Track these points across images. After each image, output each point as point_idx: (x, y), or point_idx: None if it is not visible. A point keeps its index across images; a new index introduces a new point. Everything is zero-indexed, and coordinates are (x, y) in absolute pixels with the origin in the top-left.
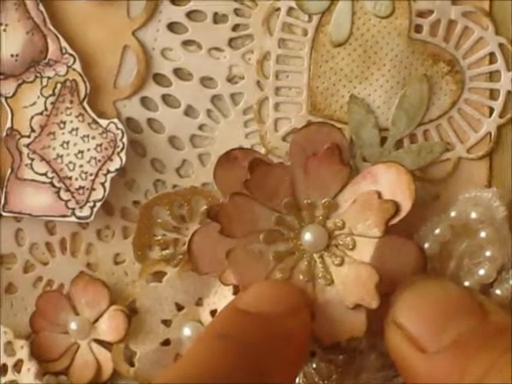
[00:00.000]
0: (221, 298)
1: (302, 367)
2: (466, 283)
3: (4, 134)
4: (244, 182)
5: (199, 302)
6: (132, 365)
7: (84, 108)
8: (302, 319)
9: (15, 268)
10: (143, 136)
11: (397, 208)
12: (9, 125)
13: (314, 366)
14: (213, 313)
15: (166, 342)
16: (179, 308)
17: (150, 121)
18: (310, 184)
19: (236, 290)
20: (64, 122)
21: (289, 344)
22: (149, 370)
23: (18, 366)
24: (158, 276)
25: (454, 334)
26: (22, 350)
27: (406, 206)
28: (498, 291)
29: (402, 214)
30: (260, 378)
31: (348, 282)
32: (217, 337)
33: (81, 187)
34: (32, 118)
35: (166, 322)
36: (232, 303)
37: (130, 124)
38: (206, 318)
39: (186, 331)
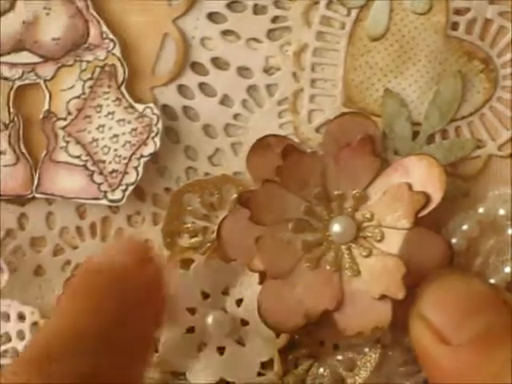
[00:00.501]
0: (247, 287)
1: (159, 319)
2: (492, 281)
3: (41, 116)
4: (276, 168)
5: (225, 291)
6: (156, 351)
7: (121, 93)
8: (153, 268)
9: (45, 251)
10: (178, 123)
11: (427, 199)
12: (46, 107)
13: (339, 357)
14: (238, 302)
15: (191, 330)
16: (205, 296)
17: (185, 108)
18: (341, 174)
19: (262, 278)
20: (101, 106)
21: (144, 294)
22: (172, 357)
23: None
24: (186, 263)
25: (478, 327)
26: None
27: (436, 198)
28: None
29: (432, 205)
30: (125, 327)
31: (375, 273)
32: (77, 294)
33: (114, 170)
34: (69, 101)
35: (192, 310)
36: (86, 263)
37: (166, 111)
38: (232, 307)
39: (211, 320)
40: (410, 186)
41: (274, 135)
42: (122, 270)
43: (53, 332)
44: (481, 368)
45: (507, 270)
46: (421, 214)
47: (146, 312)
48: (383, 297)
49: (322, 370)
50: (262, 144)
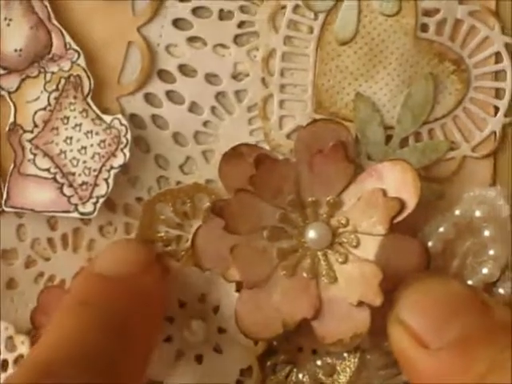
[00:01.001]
0: (223, 295)
1: (161, 324)
2: (470, 282)
3: (7, 128)
4: (249, 177)
5: (202, 299)
6: None
7: (88, 103)
8: (155, 275)
9: (17, 263)
10: (147, 132)
11: (402, 205)
12: (12, 120)
13: (319, 363)
14: (215, 309)
15: (168, 339)
16: (181, 304)
17: (154, 117)
18: (314, 181)
19: (239, 287)
20: (67, 118)
21: (147, 301)
22: (150, 366)
23: (18, 361)
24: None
25: (457, 330)
26: (23, 346)
27: (411, 204)
28: (501, 290)
29: (407, 211)
30: (124, 340)
31: (352, 280)
32: (78, 304)
33: (84, 183)
34: (35, 113)
35: (169, 319)
36: (87, 268)
37: (134, 120)
38: (209, 315)
39: (188, 328)
40: (384, 192)
41: (247, 144)
42: (125, 280)
43: (50, 348)
44: (465, 369)
45: (485, 271)
46: (396, 220)
47: (145, 322)
48: (361, 303)
49: (301, 375)
50: (235, 153)
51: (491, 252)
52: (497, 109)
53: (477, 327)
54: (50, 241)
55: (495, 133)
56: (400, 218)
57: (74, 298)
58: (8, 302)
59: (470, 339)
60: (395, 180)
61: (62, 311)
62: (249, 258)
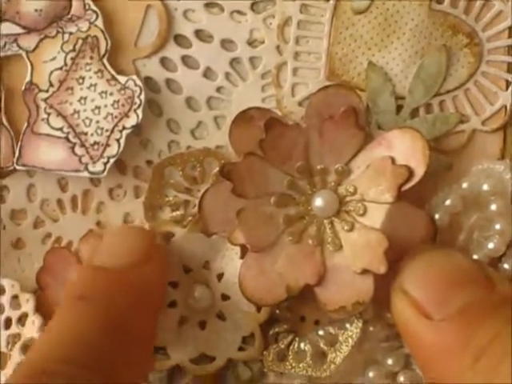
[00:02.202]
0: (228, 262)
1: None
2: (475, 256)
3: (23, 87)
4: (258, 141)
5: (206, 266)
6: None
7: (104, 64)
8: (156, 264)
9: (25, 224)
10: (161, 96)
11: (410, 173)
12: (28, 79)
13: (321, 332)
14: (219, 276)
15: (172, 304)
16: (186, 270)
17: (168, 81)
18: (324, 148)
19: (243, 252)
20: (83, 78)
21: (147, 292)
22: None
23: (22, 319)
24: (168, 237)
25: (460, 302)
26: (28, 304)
27: (419, 172)
28: (506, 265)
29: (415, 179)
30: (124, 334)
31: (357, 248)
32: (76, 299)
33: (96, 143)
34: (51, 72)
35: (173, 284)
36: (87, 261)
37: (149, 83)
38: (213, 281)
39: (192, 294)
40: (393, 160)
41: (257, 108)
42: (124, 272)
43: (49, 346)
44: (466, 341)
45: (490, 245)
46: (404, 188)
47: (146, 313)
48: (365, 271)
49: (302, 344)
50: (245, 116)
51: (497, 226)
52: (508, 83)
53: (480, 300)
54: (59, 202)
55: (506, 107)
56: (408, 186)
57: (72, 293)
58: (15, 261)
59: (472, 312)
60: (404, 148)
61: (61, 307)
62: (255, 223)
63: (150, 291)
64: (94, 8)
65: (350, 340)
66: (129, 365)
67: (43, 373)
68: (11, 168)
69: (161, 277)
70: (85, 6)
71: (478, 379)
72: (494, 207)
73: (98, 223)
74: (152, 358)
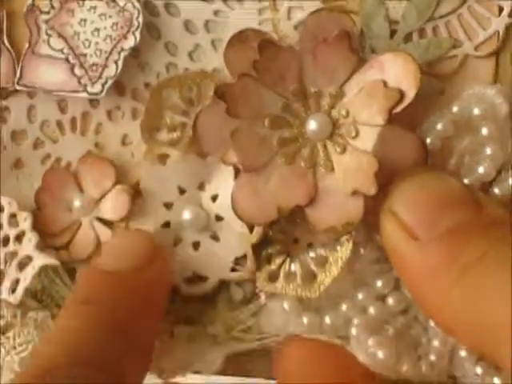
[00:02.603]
0: (222, 183)
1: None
2: (466, 180)
3: (25, 9)
4: (252, 62)
5: (201, 187)
6: None
7: None
8: (159, 267)
9: (25, 144)
10: (159, 19)
11: (401, 96)
12: (30, 1)
13: (312, 254)
14: (214, 198)
15: (166, 225)
16: (181, 191)
17: (166, 4)
18: (317, 70)
19: (237, 172)
20: (83, 0)
21: (150, 295)
22: None
23: (19, 237)
24: (163, 159)
25: (447, 223)
26: (25, 222)
27: (410, 94)
28: (496, 190)
29: (406, 101)
30: (127, 337)
31: (348, 170)
32: (80, 303)
33: (94, 64)
34: None
35: (168, 205)
36: (91, 264)
37: (148, 7)
38: (207, 203)
39: (186, 214)
40: (385, 83)
41: (253, 29)
42: (129, 275)
43: (53, 349)
44: (452, 260)
45: (481, 170)
46: (395, 111)
47: (149, 316)
48: (355, 193)
49: (293, 266)
50: (240, 37)
51: (488, 151)
52: (501, 9)
53: (468, 222)
54: (59, 123)
55: (498, 32)
56: (399, 109)
57: (76, 297)
58: (14, 180)
59: (459, 232)
60: (396, 71)
61: (66, 310)
62: (249, 143)
63: (153, 294)
64: None
65: (340, 261)
66: (131, 365)
67: (47, 373)
68: (12, 88)
69: (163, 280)
70: None
71: (461, 296)
72: (485, 131)
73: (97, 144)
74: (151, 358)
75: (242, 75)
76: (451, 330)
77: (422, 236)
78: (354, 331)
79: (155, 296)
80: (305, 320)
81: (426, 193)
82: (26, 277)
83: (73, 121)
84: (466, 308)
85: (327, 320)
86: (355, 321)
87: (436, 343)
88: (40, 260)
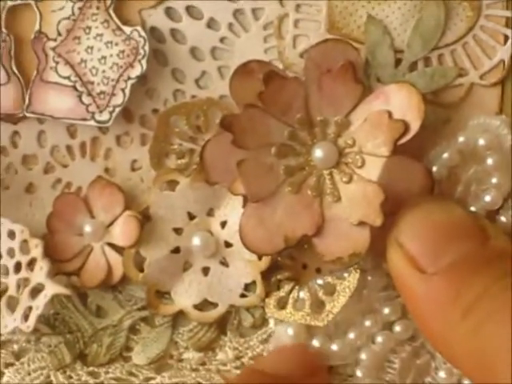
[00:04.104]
0: (231, 210)
1: None
2: (472, 208)
3: (32, 36)
4: (258, 93)
5: (210, 213)
6: (141, 270)
7: (109, 15)
8: (318, 381)
9: (36, 169)
10: (166, 46)
11: (406, 127)
12: (37, 28)
13: (320, 282)
14: (223, 224)
15: (176, 250)
16: (191, 217)
17: (173, 31)
18: (323, 100)
19: (245, 202)
20: (89, 28)
21: None
22: (157, 276)
23: (31, 264)
24: (173, 185)
25: (452, 256)
26: (37, 249)
27: (414, 126)
28: (503, 218)
29: (411, 133)
30: None
31: (354, 200)
32: None
33: (102, 92)
34: (59, 22)
35: (178, 231)
36: (252, 365)
37: (154, 33)
38: (217, 229)
39: (196, 240)
40: (390, 114)
41: (257, 61)
42: (287, 380)
43: None
44: (455, 296)
45: (487, 198)
46: (400, 142)
47: None
48: (362, 223)
49: (302, 293)
50: (245, 69)
51: (494, 180)
52: (506, 37)
53: (473, 255)
54: (68, 148)
55: (504, 61)
56: (404, 140)
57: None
58: (27, 205)
59: (464, 266)
60: (401, 102)
61: None
62: (255, 173)
63: None
64: None
65: (348, 290)
66: None
67: None
68: (21, 115)
69: None
70: None
71: (465, 335)
72: (490, 161)
73: (107, 169)
74: None
75: (248, 106)
76: (455, 362)
77: (428, 268)
78: (359, 373)
79: None
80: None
81: (431, 224)
82: (39, 305)
83: (82, 146)
84: (472, 343)
85: (334, 347)
86: (362, 356)
87: (442, 374)
88: (52, 289)
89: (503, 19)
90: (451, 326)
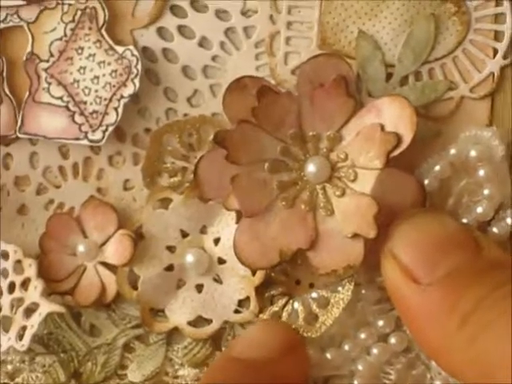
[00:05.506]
0: (224, 226)
1: None
2: (465, 220)
3: (24, 58)
4: (252, 109)
5: (203, 230)
6: (135, 288)
7: (102, 35)
8: (297, 359)
9: (28, 190)
10: (158, 65)
11: (398, 140)
12: (29, 49)
13: (314, 295)
14: (216, 241)
15: (170, 268)
16: (184, 235)
17: (165, 50)
18: (315, 115)
19: (239, 217)
20: (82, 48)
21: None
22: (151, 294)
23: (25, 284)
24: (165, 203)
25: (447, 267)
26: (30, 269)
27: (407, 139)
28: (495, 229)
29: (403, 146)
30: None
31: (348, 213)
32: None
33: (94, 111)
34: (51, 43)
35: (171, 248)
36: (226, 351)
37: (146, 53)
38: (210, 246)
39: (189, 258)
40: (382, 127)
41: (250, 76)
42: (265, 362)
43: None
44: (451, 307)
45: (479, 210)
46: (392, 155)
47: None
48: (356, 236)
49: (296, 306)
50: (238, 85)
51: (486, 192)
52: (495, 51)
53: (468, 266)
54: (61, 169)
55: (493, 74)
56: (396, 153)
57: (207, 381)
58: (19, 227)
59: (458, 277)
60: (393, 115)
61: None
62: (249, 189)
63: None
64: None
65: (341, 302)
66: None
67: None
68: (13, 136)
69: (301, 370)
70: None
71: (462, 344)
72: (482, 173)
73: (99, 189)
74: None
75: (241, 121)
76: (453, 372)
77: (422, 279)
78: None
79: None
80: None
81: (425, 235)
82: (33, 324)
83: (75, 166)
84: (469, 353)
85: (328, 356)
86: (359, 367)
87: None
88: (46, 308)
89: (492, 33)
90: (448, 336)
